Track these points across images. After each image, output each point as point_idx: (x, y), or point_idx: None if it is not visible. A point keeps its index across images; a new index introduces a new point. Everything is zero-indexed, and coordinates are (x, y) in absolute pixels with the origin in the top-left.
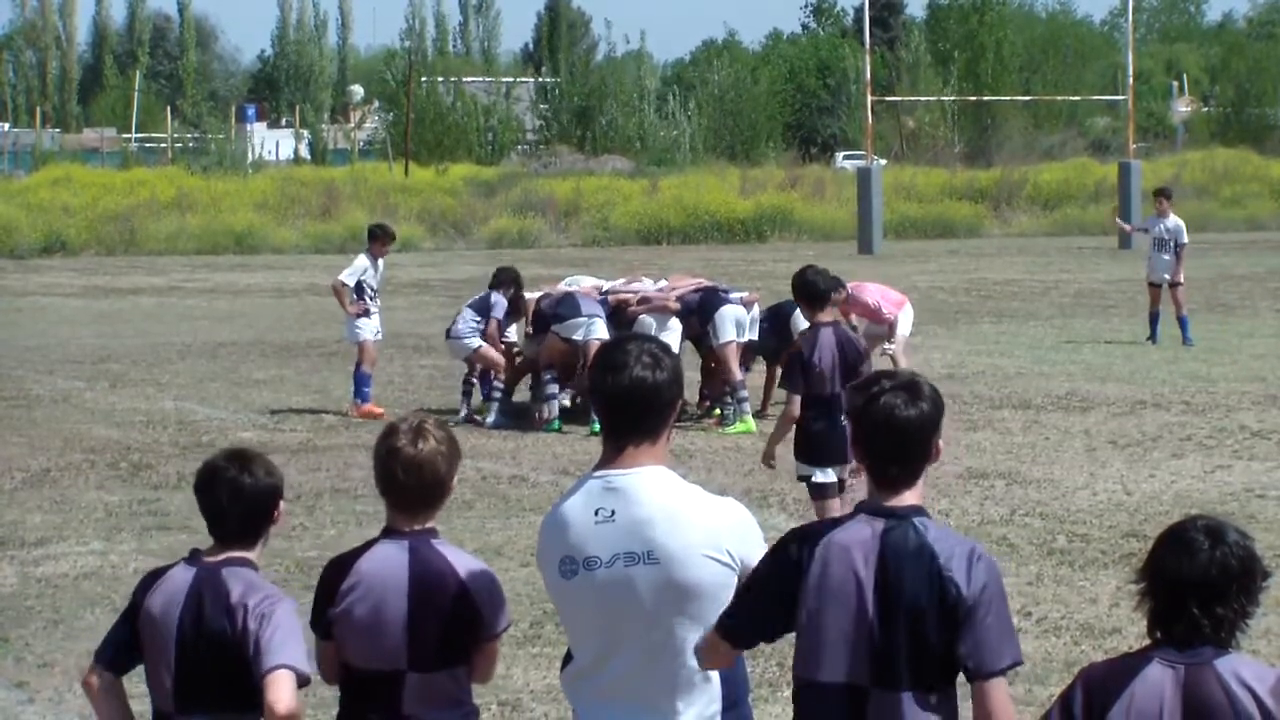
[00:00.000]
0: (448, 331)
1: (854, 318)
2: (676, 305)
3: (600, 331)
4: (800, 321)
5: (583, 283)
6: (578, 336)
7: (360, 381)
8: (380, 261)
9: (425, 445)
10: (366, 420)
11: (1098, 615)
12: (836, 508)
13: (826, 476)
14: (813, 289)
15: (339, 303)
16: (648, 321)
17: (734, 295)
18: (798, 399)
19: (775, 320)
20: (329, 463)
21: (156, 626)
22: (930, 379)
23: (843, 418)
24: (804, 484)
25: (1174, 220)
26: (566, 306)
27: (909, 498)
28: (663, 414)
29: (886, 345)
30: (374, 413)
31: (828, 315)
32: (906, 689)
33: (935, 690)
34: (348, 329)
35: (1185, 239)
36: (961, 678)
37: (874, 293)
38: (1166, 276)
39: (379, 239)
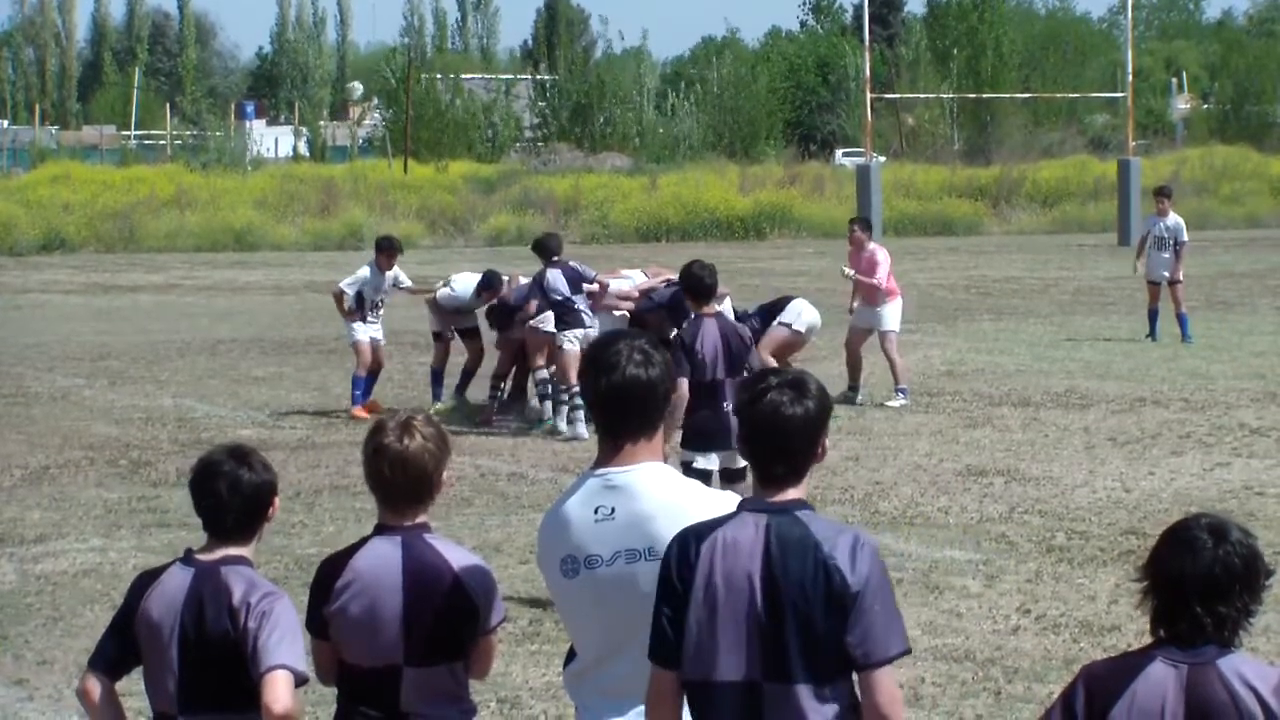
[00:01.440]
0: (580, 320)
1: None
2: (629, 305)
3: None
4: (797, 308)
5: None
6: (550, 328)
7: (352, 385)
8: (387, 274)
9: (412, 442)
10: (362, 421)
11: (1096, 613)
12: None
13: (708, 462)
14: (698, 283)
15: (338, 309)
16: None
17: None
18: (684, 381)
19: (766, 316)
20: (328, 460)
21: (156, 629)
22: (930, 375)
23: (726, 405)
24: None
25: (1174, 219)
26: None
27: (792, 494)
28: (658, 409)
29: (846, 268)
30: (359, 416)
31: (711, 309)
32: (801, 682)
33: (830, 682)
34: (347, 330)
35: (1185, 237)
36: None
37: (885, 261)
38: (1165, 274)
39: (384, 251)
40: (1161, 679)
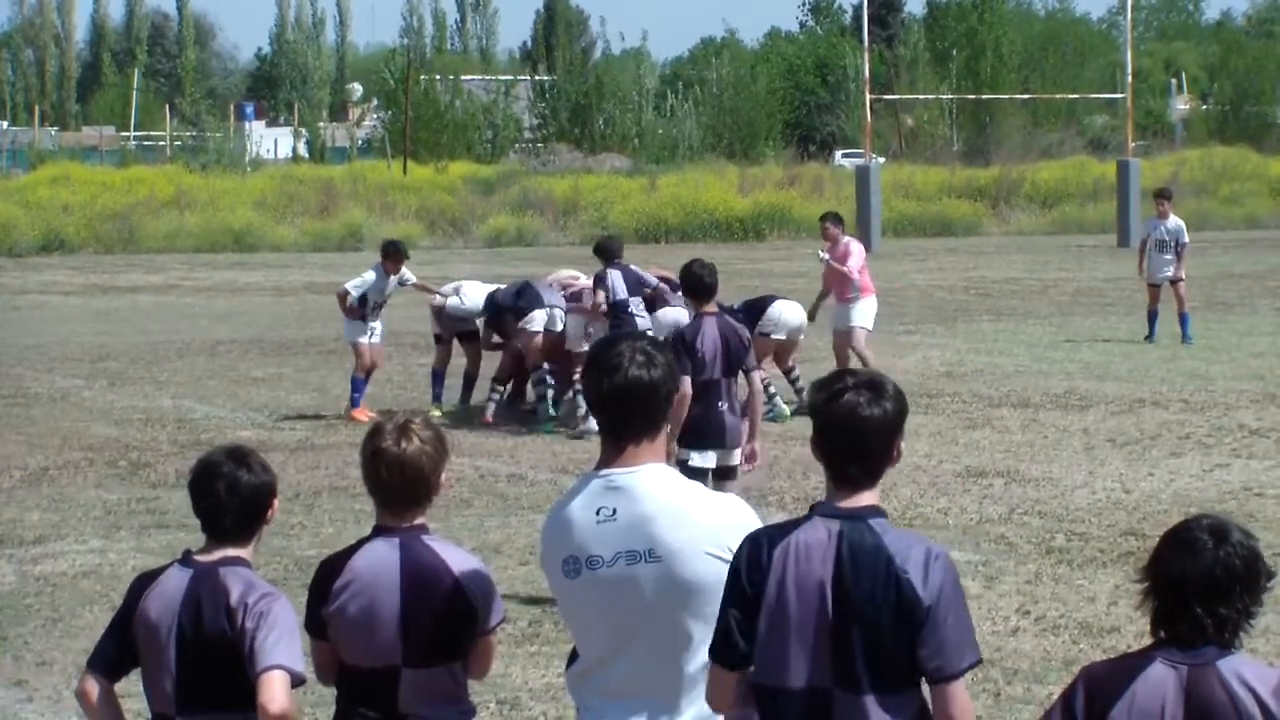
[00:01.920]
0: (632, 324)
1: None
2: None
3: (563, 322)
4: (775, 312)
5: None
6: (537, 327)
7: (352, 386)
8: (392, 278)
9: (409, 444)
10: (361, 423)
11: (1096, 614)
12: None
13: (705, 460)
14: (698, 282)
15: (340, 308)
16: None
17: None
18: (687, 379)
19: (751, 312)
20: (327, 461)
21: (154, 630)
22: (929, 376)
23: (721, 404)
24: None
25: (1174, 221)
26: (526, 298)
27: (866, 499)
28: (661, 410)
29: (823, 252)
30: (358, 418)
31: (712, 307)
32: (869, 692)
33: (899, 693)
34: (346, 329)
35: (1186, 239)
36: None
37: (859, 253)
38: (1168, 274)
39: (391, 257)
40: (1161, 680)
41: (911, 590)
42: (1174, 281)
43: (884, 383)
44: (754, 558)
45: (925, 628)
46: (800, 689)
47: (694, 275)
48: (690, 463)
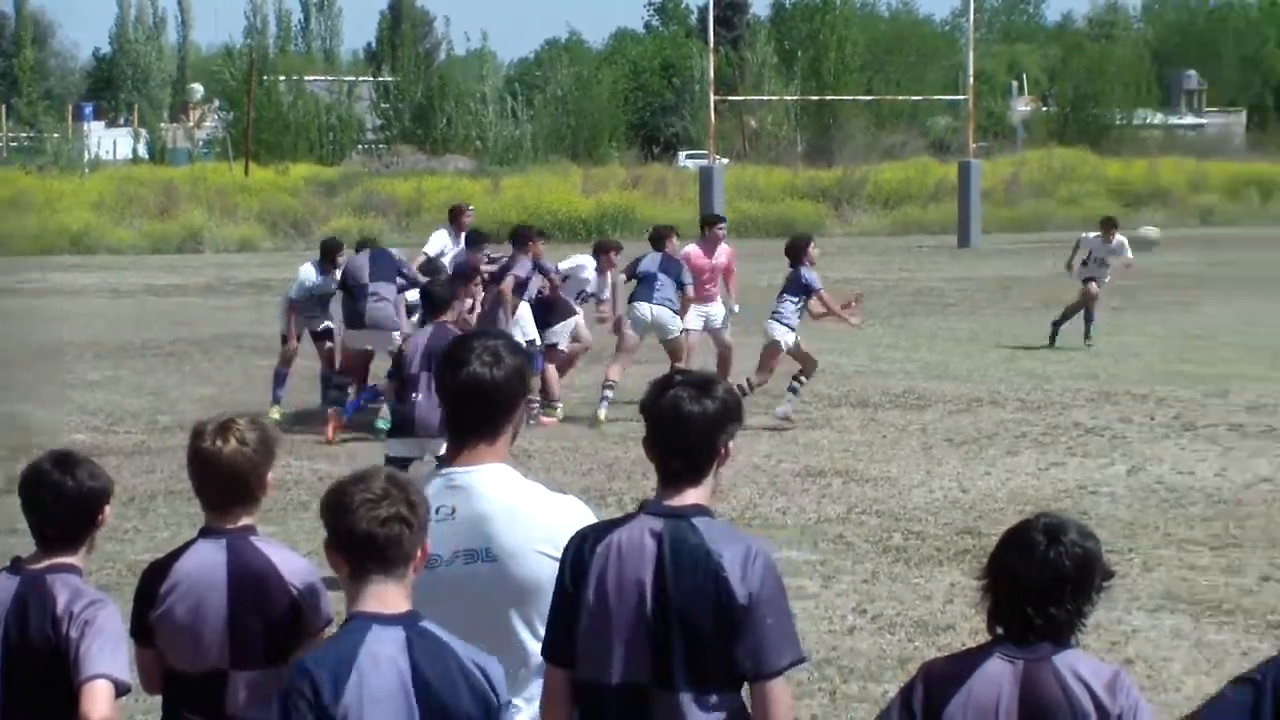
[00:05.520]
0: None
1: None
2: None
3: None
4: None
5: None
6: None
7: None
8: (333, 275)
9: (227, 444)
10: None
11: (932, 612)
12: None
13: (405, 449)
14: (435, 298)
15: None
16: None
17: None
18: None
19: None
20: (163, 465)
21: None
22: (772, 377)
23: (415, 395)
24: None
25: (1118, 239)
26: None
27: (691, 497)
28: (502, 411)
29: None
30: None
31: (450, 316)
32: (685, 689)
33: (718, 691)
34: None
35: (1129, 254)
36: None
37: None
38: (1093, 275)
39: (328, 256)
40: (997, 675)
41: (729, 589)
42: (1089, 280)
43: (713, 383)
44: (576, 555)
45: (743, 627)
46: (617, 684)
47: (431, 293)
48: (389, 453)
